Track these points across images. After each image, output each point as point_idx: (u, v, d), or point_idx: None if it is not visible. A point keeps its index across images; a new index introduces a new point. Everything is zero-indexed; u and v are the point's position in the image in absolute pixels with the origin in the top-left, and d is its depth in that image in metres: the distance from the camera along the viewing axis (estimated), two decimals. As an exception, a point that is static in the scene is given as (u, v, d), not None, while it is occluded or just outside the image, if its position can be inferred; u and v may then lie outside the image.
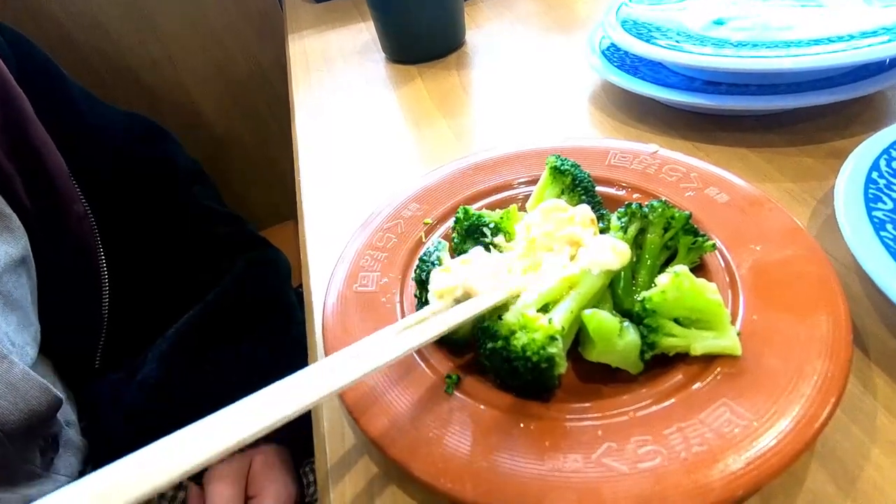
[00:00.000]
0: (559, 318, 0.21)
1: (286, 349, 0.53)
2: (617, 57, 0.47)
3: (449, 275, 0.22)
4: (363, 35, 0.72)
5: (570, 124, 0.46)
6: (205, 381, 0.49)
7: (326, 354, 0.24)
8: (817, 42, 0.36)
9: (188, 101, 0.97)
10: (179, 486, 0.50)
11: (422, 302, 0.24)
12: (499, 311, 0.23)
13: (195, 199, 0.63)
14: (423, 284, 0.24)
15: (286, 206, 1.00)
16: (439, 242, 0.25)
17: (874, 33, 0.35)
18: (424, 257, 0.25)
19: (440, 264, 0.24)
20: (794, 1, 0.44)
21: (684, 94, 0.40)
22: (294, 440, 0.52)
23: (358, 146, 0.50)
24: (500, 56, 0.61)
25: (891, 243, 0.24)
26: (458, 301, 0.22)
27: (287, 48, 0.74)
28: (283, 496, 0.47)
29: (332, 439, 0.25)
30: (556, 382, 0.21)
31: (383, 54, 0.65)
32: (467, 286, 0.22)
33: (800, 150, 0.36)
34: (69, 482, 0.40)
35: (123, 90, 0.90)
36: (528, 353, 0.20)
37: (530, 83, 0.54)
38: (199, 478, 0.47)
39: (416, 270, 0.25)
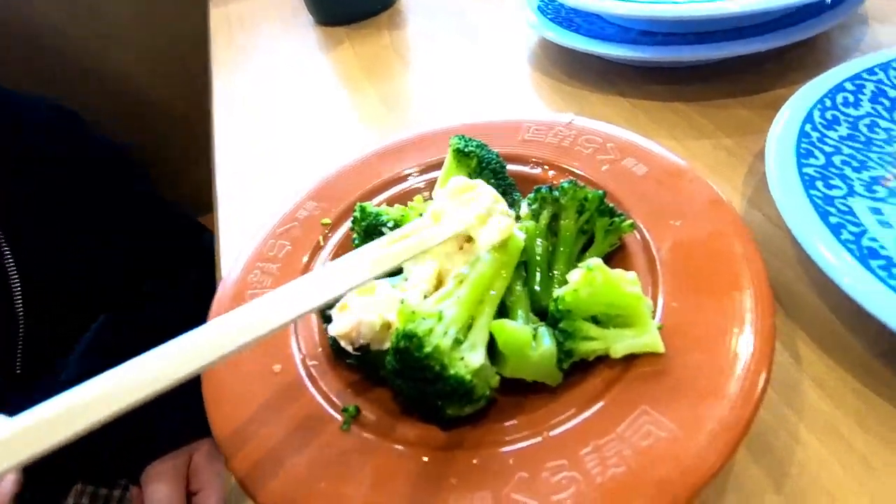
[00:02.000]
0: (451, 307, 0.19)
1: None
2: (552, 10, 0.43)
3: (347, 314, 0.20)
4: (287, -4, 0.66)
5: (508, 86, 0.43)
6: None
7: (205, 392, 0.21)
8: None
9: (120, 77, 0.89)
10: (125, 486, 0.49)
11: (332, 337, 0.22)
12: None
13: (119, 186, 0.59)
14: (328, 319, 0.22)
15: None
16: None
17: None
18: None
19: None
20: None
21: (618, 47, 0.37)
22: None
23: (281, 119, 0.46)
24: (435, 14, 0.56)
25: (819, 202, 0.23)
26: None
27: (207, 14, 0.68)
28: (226, 490, 0.47)
29: None
30: (475, 398, 0.19)
31: (311, 17, 0.60)
32: (367, 324, 0.20)
33: (738, 101, 0.34)
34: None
35: (34, 75, 0.82)
36: (413, 348, 0.18)
37: (466, 43, 0.50)
38: (137, 480, 0.46)
39: None
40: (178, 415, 0.47)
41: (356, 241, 0.24)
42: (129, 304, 0.51)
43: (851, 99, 0.27)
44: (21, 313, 0.47)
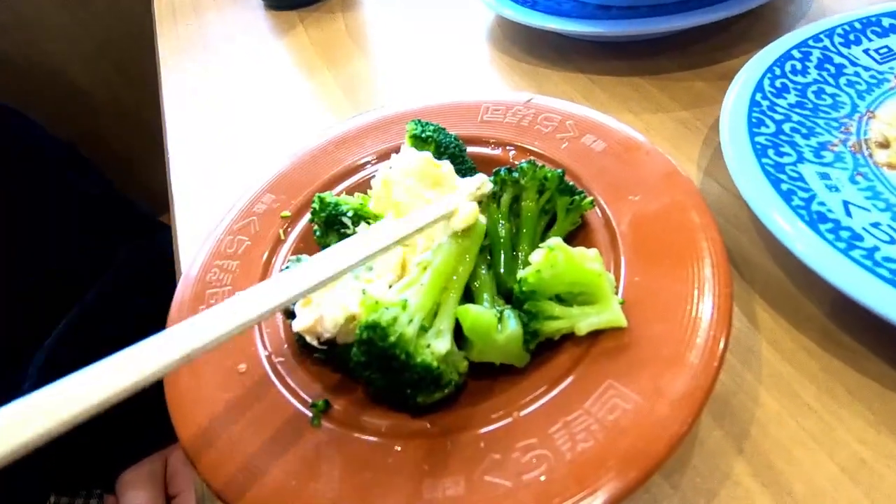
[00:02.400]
0: (415, 295, 0.19)
1: None
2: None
3: (311, 308, 0.20)
4: (234, -20, 0.63)
5: (466, 66, 0.43)
6: None
7: (169, 401, 0.21)
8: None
9: (54, 69, 0.85)
10: (100, 496, 0.48)
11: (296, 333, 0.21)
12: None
13: (67, 186, 0.56)
14: (291, 315, 0.21)
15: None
16: (297, 259, 0.22)
17: None
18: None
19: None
20: None
21: (574, 23, 0.36)
22: None
23: (236, 110, 0.44)
24: (388, -6, 0.55)
25: (771, 170, 0.23)
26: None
27: (152, 4, 0.65)
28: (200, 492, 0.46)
29: None
30: (443, 385, 0.19)
31: (261, 1, 0.58)
32: (330, 318, 0.19)
33: (693, 73, 0.34)
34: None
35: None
36: (380, 336, 0.17)
37: (423, 24, 0.49)
38: (111, 489, 0.45)
39: None
40: (152, 417, 0.46)
41: (317, 233, 0.23)
42: (89, 306, 0.49)
43: (799, 66, 0.28)
44: None
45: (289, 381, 0.21)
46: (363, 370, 0.19)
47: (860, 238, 0.20)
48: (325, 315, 0.20)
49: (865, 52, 0.29)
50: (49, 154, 0.58)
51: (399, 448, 0.18)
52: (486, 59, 0.43)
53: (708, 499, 0.19)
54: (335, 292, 0.20)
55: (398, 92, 0.42)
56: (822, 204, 0.22)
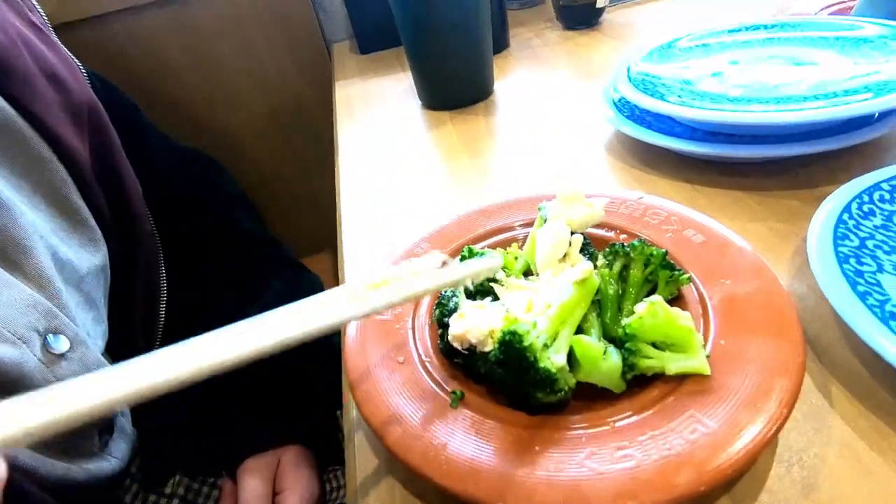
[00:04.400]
0: (543, 321, 0.25)
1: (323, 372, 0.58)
2: (628, 108, 0.52)
3: (463, 321, 0.27)
4: (402, 84, 0.79)
5: (586, 169, 0.51)
6: None
7: (350, 374, 0.29)
8: (806, 98, 0.40)
9: (237, 137, 1.07)
10: (213, 484, 0.56)
11: (444, 341, 0.29)
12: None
13: (237, 223, 0.71)
14: (444, 326, 0.29)
15: (321, 238, 1.07)
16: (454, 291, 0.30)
17: (856, 91, 0.39)
18: (442, 301, 0.30)
19: (457, 309, 0.29)
20: (788, 60, 0.48)
21: (687, 143, 0.44)
22: (318, 445, 0.58)
23: (393, 182, 0.56)
24: (525, 105, 0.66)
25: (851, 274, 0.27)
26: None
27: (333, 93, 0.83)
28: (307, 494, 0.52)
29: (361, 453, 0.30)
30: (557, 391, 0.25)
31: (419, 101, 0.72)
32: (478, 329, 0.27)
33: (790, 193, 0.39)
34: (120, 465, 0.46)
35: (179, 124, 1.00)
36: (515, 342, 0.24)
37: (551, 130, 0.59)
38: (233, 473, 0.53)
39: (436, 311, 0.30)
40: (273, 419, 0.55)
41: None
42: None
43: (887, 196, 0.33)
44: (161, 327, 0.57)
45: (434, 374, 0.28)
46: (498, 367, 0.25)
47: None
48: (473, 327, 0.27)
49: (953, 191, 0.33)
50: (230, 194, 0.74)
51: (516, 432, 0.24)
52: (604, 164, 0.51)
53: (772, 532, 0.22)
54: (483, 311, 0.28)
55: (526, 181, 0.51)
56: (895, 306, 0.26)
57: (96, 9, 0.87)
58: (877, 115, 0.41)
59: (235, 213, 0.72)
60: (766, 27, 0.54)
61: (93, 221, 0.48)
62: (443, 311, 0.29)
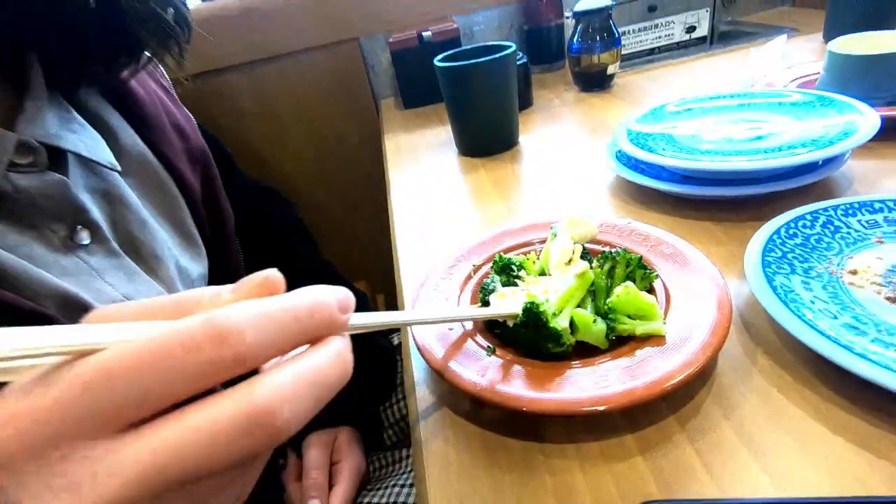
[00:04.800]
0: (553, 299, 0.38)
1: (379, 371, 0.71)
2: (626, 158, 0.65)
3: (500, 301, 0.40)
4: (440, 134, 0.95)
5: (592, 204, 0.64)
6: None
7: (417, 341, 0.41)
8: (764, 150, 0.53)
9: (293, 175, 1.24)
10: (283, 454, 0.67)
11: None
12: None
13: (298, 246, 0.85)
14: (486, 303, 0.42)
15: (360, 266, 1.21)
16: (494, 277, 0.43)
17: (802, 144, 0.52)
18: (484, 286, 0.43)
19: (495, 291, 0.42)
20: (753, 124, 0.61)
21: (669, 185, 0.57)
22: (365, 430, 0.70)
23: (435, 214, 0.69)
24: (545, 153, 0.80)
25: (770, 273, 0.39)
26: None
27: (383, 142, 0.99)
28: (357, 466, 0.64)
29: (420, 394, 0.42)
30: (561, 344, 0.37)
31: (456, 149, 0.87)
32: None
33: (749, 224, 0.51)
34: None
35: (248, 163, 1.17)
36: (534, 309, 0.36)
37: (566, 174, 0.73)
38: (297, 447, 0.65)
39: (480, 293, 0.43)
40: (333, 404, 0.67)
41: (494, 271, 0.44)
42: None
43: (808, 223, 0.45)
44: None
45: (476, 338, 0.41)
46: (520, 328, 0.38)
47: (811, 311, 0.36)
48: (508, 305, 0.40)
49: (858, 221, 0.45)
50: (292, 222, 0.89)
51: (532, 369, 0.36)
52: (606, 200, 0.64)
53: (699, 434, 0.33)
54: (514, 296, 0.40)
55: (544, 212, 0.64)
56: (796, 294, 0.38)
57: (194, 69, 1.07)
58: (820, 161, 0.53)
59: (297, 238, 0.87)
60: (737, 95, 0.68)
61: (199, 240, 0.62)
62: (485, 294, 0.42)
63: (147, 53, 0.52)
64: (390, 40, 1.05)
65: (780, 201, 0.54)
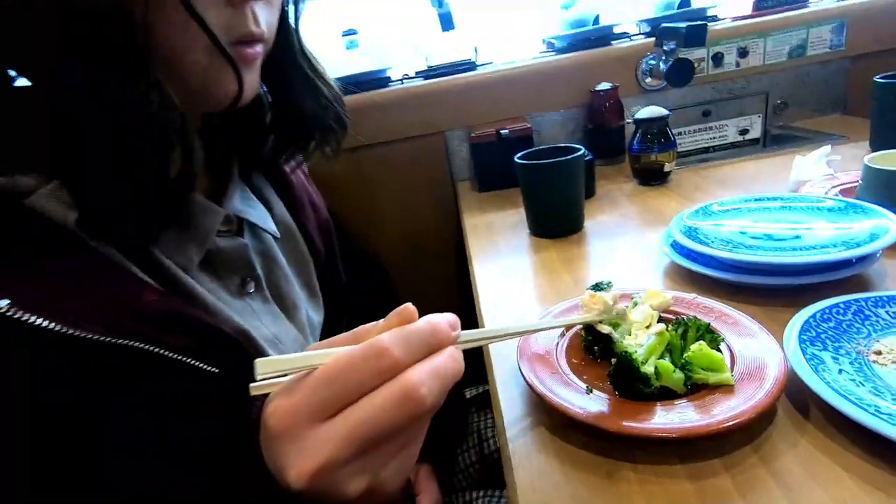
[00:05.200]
0: (642, 353, 0.50)
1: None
2: (679, 247, 0.78)
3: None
4: (515, 216, 1.10)
5: (649, 284, 0.77)
6: None
7: (526, 377, 0.54)
8: (803, 248, 0.66)
9: (380, 248, 1.42)
10: None
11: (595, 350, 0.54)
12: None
13: (389, 302, 1.00)
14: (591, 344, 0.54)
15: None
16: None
17: (834, 245, 0.65)
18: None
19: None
20: (793, 223, 0.74)
21: (718, 272, 0.69)
22: (442, 469, 0.79)
23: (512, 288, 0.82)
24: (607, 239, 0.94)
25: (805, 348, 0.51)
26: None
27: (462, 222, 1.15)
28: (436, 500, 0.74)
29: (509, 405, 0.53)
30: (650, 386, 0.48)
31: (528, 230, 1.02)
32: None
33: (787, 309, 0.63)
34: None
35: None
36: (628, 356, 0.48)
37: (626, 258, 0.86)
38: None
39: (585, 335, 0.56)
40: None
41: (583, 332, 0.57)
42: None
43: (841, 311, 0.56)
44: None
45: (572, 379, 0.53)
46: (616, 378, 0.50)
47: (837, 381, 0.47)
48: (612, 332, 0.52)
49: (886, 311, 0.56)
50: (387, 287, 1.04)
51: (625, 406, 0.48)
52: (661, 280, 0.76)
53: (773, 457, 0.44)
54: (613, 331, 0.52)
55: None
56: (826, 366, 0.49)
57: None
58: (854, 259, 0.65)
59: (389, 299, 1.01)
60: (779, 198, 0.81)
61: (320, 294, 0.76)
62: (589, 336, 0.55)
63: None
64: (472, 135, 1.25)
65: (817, 293, 0.65)
